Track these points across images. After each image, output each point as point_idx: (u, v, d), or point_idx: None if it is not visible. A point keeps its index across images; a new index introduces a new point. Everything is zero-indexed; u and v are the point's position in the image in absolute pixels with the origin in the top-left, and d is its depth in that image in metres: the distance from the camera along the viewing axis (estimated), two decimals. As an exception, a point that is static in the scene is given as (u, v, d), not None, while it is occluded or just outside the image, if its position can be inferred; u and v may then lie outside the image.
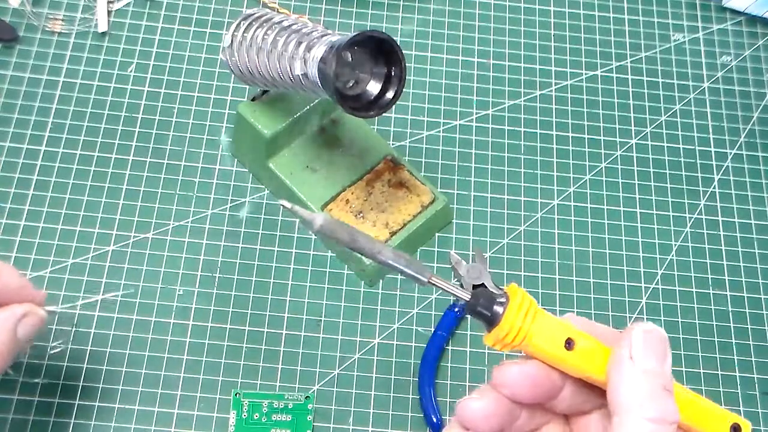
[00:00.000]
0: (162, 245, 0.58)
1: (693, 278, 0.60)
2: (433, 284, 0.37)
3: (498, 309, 0.35)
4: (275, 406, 0.52)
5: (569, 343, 0.35)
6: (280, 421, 0.52)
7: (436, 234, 0.60)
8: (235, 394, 0.53)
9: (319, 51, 0.48)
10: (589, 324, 0.37)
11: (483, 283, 0.60)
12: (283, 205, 0.37)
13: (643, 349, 0.36)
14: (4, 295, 0.46)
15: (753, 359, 0.58)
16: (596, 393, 0.36)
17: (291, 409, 0.52)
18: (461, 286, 0.58)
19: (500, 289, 0.37)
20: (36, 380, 0.52)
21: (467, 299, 0.36)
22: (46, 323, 0.47)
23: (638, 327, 0.36)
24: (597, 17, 0.72)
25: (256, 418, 0.52)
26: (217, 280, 0.57)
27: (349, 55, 0.51)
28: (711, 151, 0.66)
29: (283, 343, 0.55)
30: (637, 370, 0.35)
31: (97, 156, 0.61)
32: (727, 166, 0.66)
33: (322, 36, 0.50)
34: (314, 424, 0.53)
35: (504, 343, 0.35)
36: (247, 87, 0.63)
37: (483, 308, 0.36)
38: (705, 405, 0.37)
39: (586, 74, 0.69)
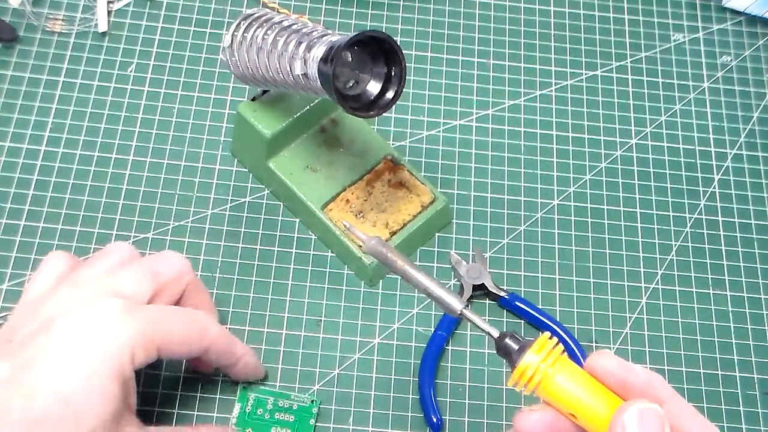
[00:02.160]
0: (162, 245, 0.58)
1: (693, 278, 0.60)
2: (464, 317, 0.39)
3: (518, 350, 0.36)
4: (280, 405, 0.52)
5: (573, 415, 0.35)
6: (282, 421, 0.52)
7: (436, 234, 0.60)
8: (243, 387, 0.53)
9: (319, 51, 0.48)
10: (623, 366, 0.36)
11: (483, 283, 0.60)
12: (343, 225, 0.42)
13: None
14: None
15: (753, 359, 0.58)
16: None
17: (295, 410, 0.52)
18: (462, 287, 0.59)
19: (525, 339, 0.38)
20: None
21: (495, 337, 0.37)
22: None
23: (632, 408, 0.34)
24: (597, 17, 0.72)
25: (259, 413, 0.52)
26: (217, 280, 0.57)
27: (349, 55, 0.51)
28: (711, 151, 0.66)
29: (283, 343, 0.55)
30: None
31: (97, 156, 0.61)
32: (727, 166, 0.66)
33: (322, 36, 0.50)
34: (315, 423, 0.52)
35: (520, 384, 0.36)
36: (247, 87, 0.63)
37: (507, 347, 0.37)
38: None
39: (586, 74, 0.69)
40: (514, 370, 0.36)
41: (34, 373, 0.41)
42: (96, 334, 0.43)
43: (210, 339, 0.48)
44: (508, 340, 0.37)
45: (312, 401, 0.53)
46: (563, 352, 0.36)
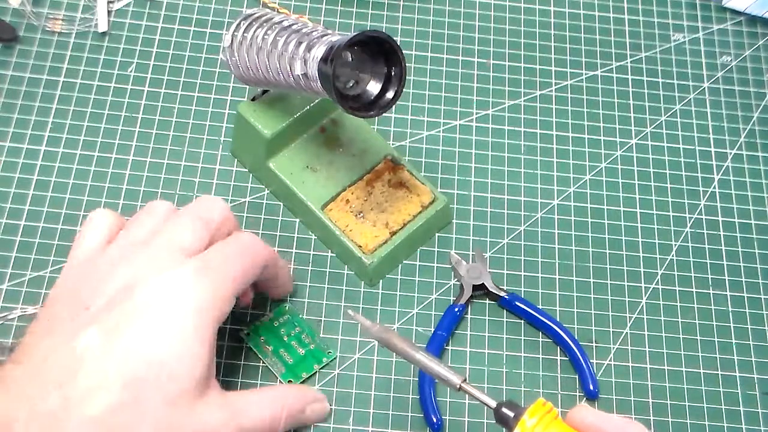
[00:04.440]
0: (162, 245, 0.57)
1: (693, 278, 0.60)
2: (464, 390, 0.42)
3: (514, 417, 0.40)
4: (302, 337, 0.55)
5: None
6: (292, 348, 0.54)
7: (436, 234, 0.60)
8: (285, 304, 0.56)
9: (319, 51, 0.48)
10: (600, 417, 0.40)
11: (483, 283, 0.60)
12: (349, 314, 0.48)
13: None
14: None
15: (753, 359, 0.58)
16: None
17: (310, 349, 0.54)
18: (462, 287, 0.59)
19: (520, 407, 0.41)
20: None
21: (492, 407, 0.41)
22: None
23: None
24: (597, 17, 0.72)
25: (282, 332, 0.55)
26: (217, 280, 0.57)
27: (349, 55, 0.51)
28: (711, 151, 0.66)
29: (283, 343, 0.55)
30: None
31: (97, 156, 0.61)
32: (727, 166, 0.66)
33: (322, 36, 0.50)
34: (314, 423, 0.53)
35: None
36: (247, 87, 0.63)
37: (503, 416, 0.40)
38: None
39: (586, 74, 0.69)
40: None
41: (125, 338, 0.43)
42: (178, 299, 0.45)
43: (262, 256, 0.50)
44: (504, 409, 0.41)
45: (329, 352, 0.54)
46: (557, 416, 0.40)
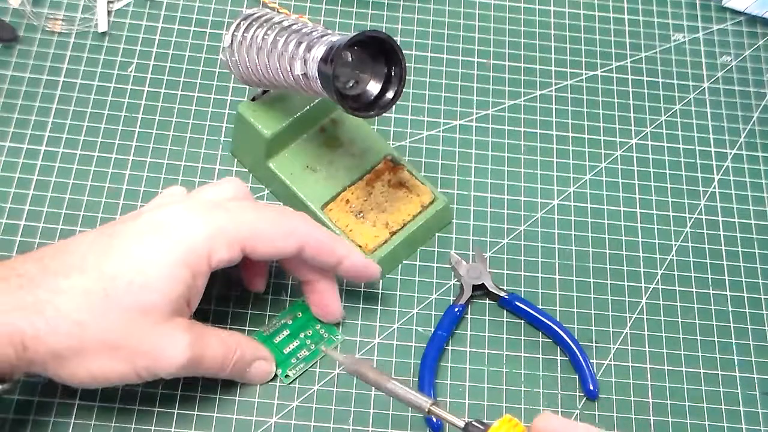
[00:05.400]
0: (162, 245, 0.57)
1: (693, 278, 0.60)
2: (433, 413, 0.44)
3: None
4: (308, 333, 0.55)
5: None
6: (302, 338, 0.55)
7: (436, 234, 0.60)
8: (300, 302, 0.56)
9: (319, 51, 0.48)
10: (564, 425, 0.41)
11: (483, 283, 0.60)
12: (322, 350, 0.52)
13: None
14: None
15: (753, 359, 0.58)
16: None
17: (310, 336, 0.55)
18: (462, 287, 0.59)
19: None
20: (36, 380, 0.52)
21: (461, 427, 0.42)
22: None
23: None
24: (597, 17, 0.72)
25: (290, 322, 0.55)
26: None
27: (349, 55, 0.51)
28: (711, 151, 0.66)
29: (283, 343, 0.55)
30: None
31: (97, 156, 0.61)
32: (727, 166, 0.66)
33: (322, 36, 0.50)
34: (314, 424, 0.53)
35: None
36: (247, 87, 0.63)
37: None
38: None
39: (586, 74, 0.69)
40: None
41: (115, 242, 0.47)
42: (178, 224, 0.47)
43: (300, 236, 0.50)
44: (471, 429, 0.42)
45: (333, 338, 0.55)
46: (524, 430, 0.41)
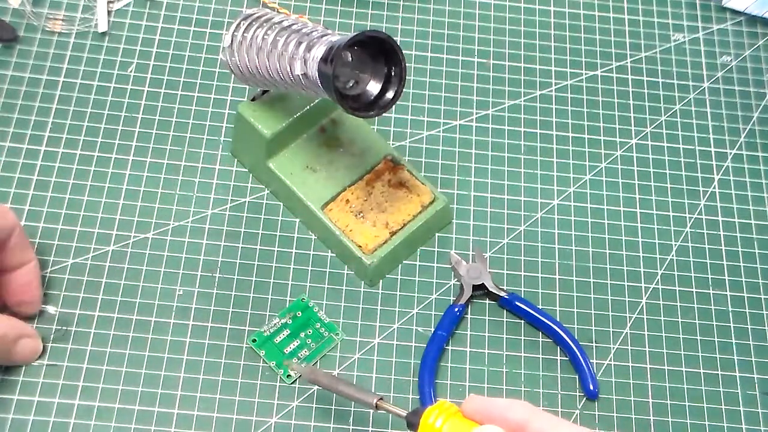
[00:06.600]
0: (162, 245, 0.58)
1: (693, 278, 0.60)
2: (380, 407, 0.47)
3: (418, 419, 0.44)
4: (308, 332, 0.56)
5: None
6: (302, 337, 0.55)
7: (436, 234, 0.60)
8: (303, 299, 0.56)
9: (319, 51, 0.48)
10: (485, 403, 0.43)
11: (483, 283, 0.60)
12: (293, 366, 0.53)
13: None
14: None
15: (753, 359, 0.58)
16: None
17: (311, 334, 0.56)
18: (462, 287, 0.59)
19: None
20: (36, 379, 0.52)
21: (403, 416, 0.45)
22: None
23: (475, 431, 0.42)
24: (597, 17, 0.72)
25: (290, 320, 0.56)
26: (217, 280, 0.57)
27: (349, 55, 0.51)
28: (711, 151, 0.66)
29: (283, 343, 0.55)
30: None
31: (97, 156, 0.61)
32: (727, 166, 0.66)
33: (322, 36, 0.50)
34: (314, 424, 0.53)
35: None
36: (247, 87, 0.63)
37: (410, 420, 0.44)
38: None
39: (586, 74, 0.69)
40: None
41: None
42: None
43: (12, 219, 0.51)
44: (410, 418, 0.45)
45: (333, 336, 0.55)
46: (456, 412, 0.43)
